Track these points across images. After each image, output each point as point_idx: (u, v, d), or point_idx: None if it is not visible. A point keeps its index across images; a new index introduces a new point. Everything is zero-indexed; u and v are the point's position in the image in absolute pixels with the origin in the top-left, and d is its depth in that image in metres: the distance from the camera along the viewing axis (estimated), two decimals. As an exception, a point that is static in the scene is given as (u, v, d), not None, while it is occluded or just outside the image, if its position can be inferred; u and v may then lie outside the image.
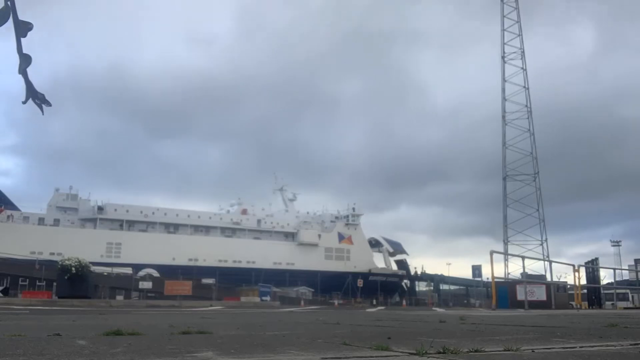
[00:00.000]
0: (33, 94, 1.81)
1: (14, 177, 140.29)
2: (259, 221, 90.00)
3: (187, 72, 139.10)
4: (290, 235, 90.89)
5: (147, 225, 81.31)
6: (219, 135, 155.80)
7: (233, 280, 59.23)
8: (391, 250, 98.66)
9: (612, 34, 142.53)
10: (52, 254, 60.18)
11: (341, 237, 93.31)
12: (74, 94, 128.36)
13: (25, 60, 1.76)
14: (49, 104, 1.86)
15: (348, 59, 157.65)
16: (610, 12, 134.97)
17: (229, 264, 77.54)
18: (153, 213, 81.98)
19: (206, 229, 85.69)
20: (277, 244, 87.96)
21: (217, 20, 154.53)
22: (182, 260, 73.30)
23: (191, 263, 73.47)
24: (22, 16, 1.75)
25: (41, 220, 75.17)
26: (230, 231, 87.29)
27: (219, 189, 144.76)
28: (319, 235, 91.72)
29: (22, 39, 1.75)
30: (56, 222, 75.79)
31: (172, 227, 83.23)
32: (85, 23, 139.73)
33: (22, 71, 1.78)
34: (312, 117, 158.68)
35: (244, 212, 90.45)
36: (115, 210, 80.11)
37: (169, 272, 60.52)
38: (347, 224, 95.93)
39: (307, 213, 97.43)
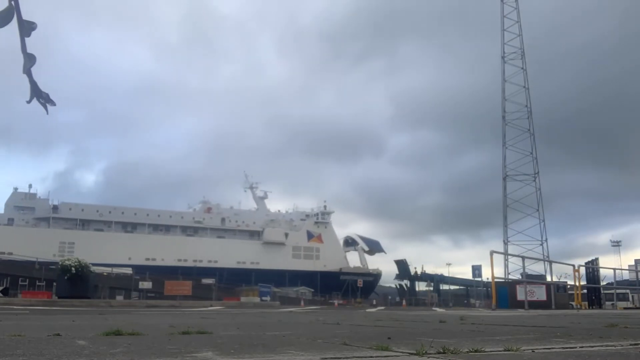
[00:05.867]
0: (37, 94, 1.81)
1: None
2: (223, 220, 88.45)
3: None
4: (255, 234, 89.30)
5: (103, 225, 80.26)
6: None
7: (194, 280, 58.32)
8: (367, 248, 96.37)
9: None
10: (2, 253, 60.40)
11: (310, 236, 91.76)
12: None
13: (29, 60, 1.77)
14: (53, 104, 1.86)
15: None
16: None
17: (189, 263, 76.01)
18: (110, 212, 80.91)
19: (166, 228, 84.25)
20: (241, 242, 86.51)
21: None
22: (138, 260, 71.46)
23: (148, 263, 71.83)
24: (25, 16, 1.75)
25: (-5, 219, 74.61)
26: (192, 230, 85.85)
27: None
28: (286, 234, 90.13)
29: (26, 39, 1.76)
30: (10, 222, 75.06)
31: (129, 227, 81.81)
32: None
33: (27, 71, 1.78)
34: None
35: (208, 210, 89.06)
36: (70, 209, 79.13)
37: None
38: (316, 222, 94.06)
39: (278, 211, 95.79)
